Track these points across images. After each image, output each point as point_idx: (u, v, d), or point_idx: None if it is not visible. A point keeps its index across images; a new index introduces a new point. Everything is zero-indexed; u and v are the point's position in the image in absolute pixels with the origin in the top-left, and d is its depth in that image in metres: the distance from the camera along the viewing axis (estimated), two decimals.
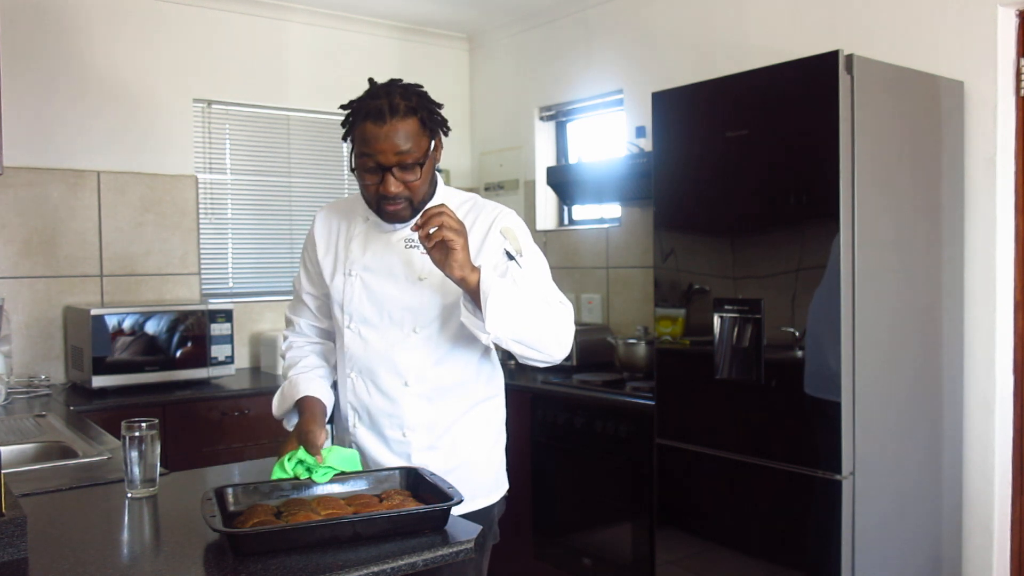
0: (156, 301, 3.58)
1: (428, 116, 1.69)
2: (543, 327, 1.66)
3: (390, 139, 1.63)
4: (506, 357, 3.71)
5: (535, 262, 1.78)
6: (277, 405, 1.85)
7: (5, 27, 3.13)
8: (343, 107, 1.73)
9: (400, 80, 1.71)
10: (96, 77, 3.50)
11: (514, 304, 1.60)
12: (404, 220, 1.75)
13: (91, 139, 3.49)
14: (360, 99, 1.69)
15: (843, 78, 2.20)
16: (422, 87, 1.72)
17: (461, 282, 1.58)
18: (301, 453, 1.59)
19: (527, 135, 4.26)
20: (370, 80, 1.71)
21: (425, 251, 1.64)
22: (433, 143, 1.72)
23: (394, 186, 1.67)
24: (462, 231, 1.57)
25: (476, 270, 1.58)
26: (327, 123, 4.16)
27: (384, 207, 1.71)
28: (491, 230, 1.76)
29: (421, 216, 1.57)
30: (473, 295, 1.59)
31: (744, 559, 2.50)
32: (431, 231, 1.54)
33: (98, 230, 3.52)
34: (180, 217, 3.71)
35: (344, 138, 1.74)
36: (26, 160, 3.34)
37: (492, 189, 4.45)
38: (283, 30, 3.97)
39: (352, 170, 1.72)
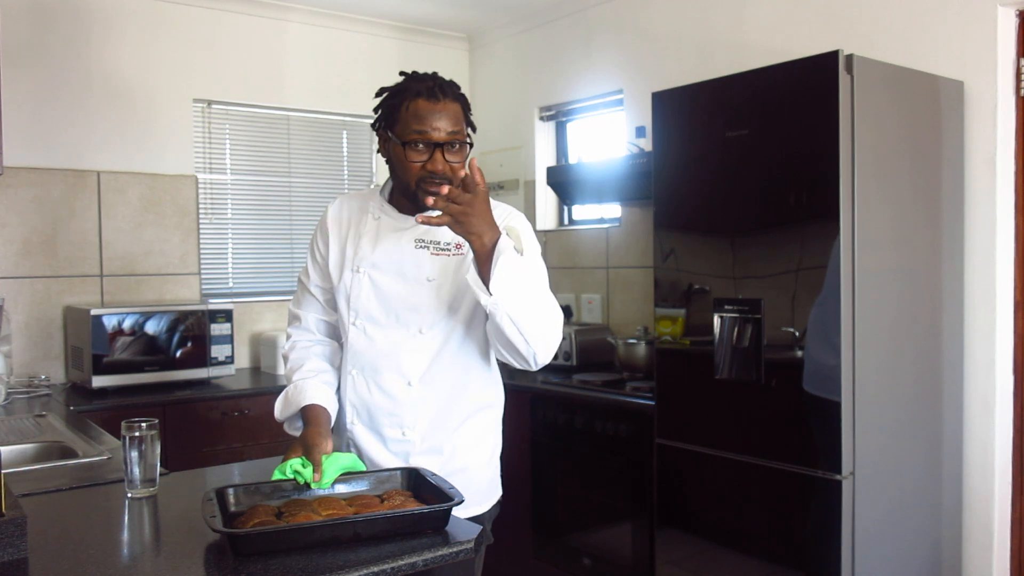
0: (156, 301, 3.58)
1: (468, 108, 1.75)
2: (541, 315, 1.64)
3: (443, 117, 1.68)
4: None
5: (536, 265, 1.77)
6: (280, 409, 1.82)
7: (5, 27, 3.13)
8: (382, 90, 1.74)
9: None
10: (96, 77, 3.50)
11: (522, 276, 1.59)
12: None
13: (91, 139, 3.49)
14: (403, 83, 1.72)
15: (843, 78, 2.20)
16: None
17: (477, 240, 1.55)
18: (301, 465, 1.57)
19: (527, 135, 4.26)
20: (402, 73, 1.74)
21: (436, 251, 1.72)
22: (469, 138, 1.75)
23: (441, 164, 1.68)
24: (472, 200, 1.53)
25: (495, 230, 1.56)
26: (327, 123, 4.16)
27: (426, 189, 1.68)
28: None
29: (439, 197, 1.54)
30: (485, 256, 1.56)
31: (744, 559, 2.50)
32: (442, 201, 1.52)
33: (98, 230, 3.52)
34: (180, 217, 3.71)
35: (376, 124, 1.75)
36: (26, 160, 3.34)
37: (492, 189, 4.45)
38: (283, 30, 3.97)
39: (401, 146, 1.69)
